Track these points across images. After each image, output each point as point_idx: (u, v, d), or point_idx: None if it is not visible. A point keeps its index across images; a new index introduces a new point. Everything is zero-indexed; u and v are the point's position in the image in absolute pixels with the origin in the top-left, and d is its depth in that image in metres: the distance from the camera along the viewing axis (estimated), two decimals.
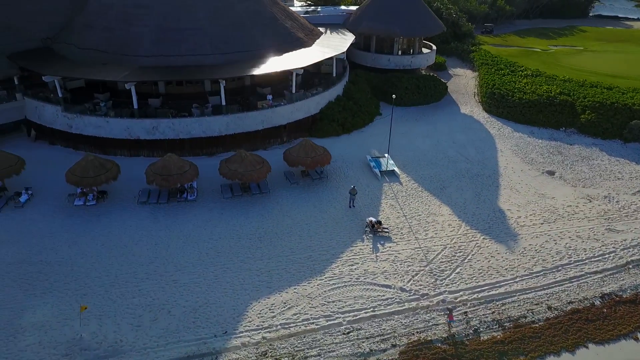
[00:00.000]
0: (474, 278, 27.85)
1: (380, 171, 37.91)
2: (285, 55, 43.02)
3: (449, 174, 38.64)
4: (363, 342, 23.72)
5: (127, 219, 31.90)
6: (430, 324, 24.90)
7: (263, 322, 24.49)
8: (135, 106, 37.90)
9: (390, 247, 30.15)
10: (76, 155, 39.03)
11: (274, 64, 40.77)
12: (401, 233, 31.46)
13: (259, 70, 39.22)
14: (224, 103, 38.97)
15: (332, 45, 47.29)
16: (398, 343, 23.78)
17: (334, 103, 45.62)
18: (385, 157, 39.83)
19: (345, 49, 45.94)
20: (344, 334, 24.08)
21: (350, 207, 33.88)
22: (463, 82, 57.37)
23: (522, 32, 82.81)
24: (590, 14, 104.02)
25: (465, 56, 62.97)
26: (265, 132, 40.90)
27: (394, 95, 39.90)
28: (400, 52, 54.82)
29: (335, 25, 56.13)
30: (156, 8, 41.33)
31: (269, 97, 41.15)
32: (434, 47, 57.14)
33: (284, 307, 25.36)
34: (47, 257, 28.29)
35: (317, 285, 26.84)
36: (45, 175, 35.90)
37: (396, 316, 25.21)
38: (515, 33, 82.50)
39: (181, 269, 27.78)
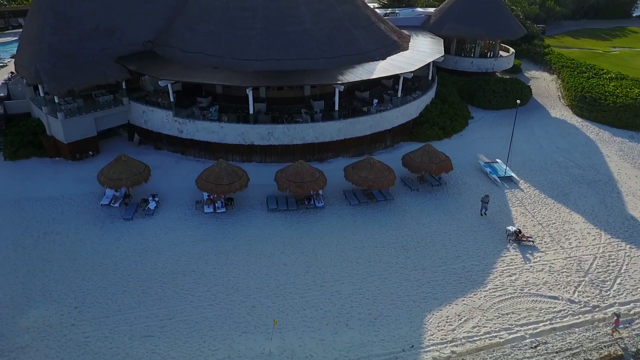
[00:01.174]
0: (639, 289, 27.25)
1: (498, 177, 37.29)
2: (389, 58, 42.39)
3: (565, 180, 38.00)
4: (554, 356, 23.13)
5: (262, 226, 31.33)
6: (615, 337, 24.32)
7: (445, 335, 23.91)
8: (251, 111, 37.30)
9: (539, 256, 29.54)
10: (186, 160, 38.67)
11: (382, 68, 40.13)
12: (544, 242, 30.84)
13: (373, 74, 38.55)
14: (337, 108, 38.34)
15: (426, 48, 46.65)
16: (590, 358, 23.20)
17: (431, 106, 45.04)
18: (497, 162, 39.23)
19: (442, 52, 45.26)
20: (531, 347, 23.50)
21: (481, 214, 33.28)
22: (543, 84, 56.65)
23: (573, 33, 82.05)
24: (633, 15, 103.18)
25: (538, 58, 62.23)
26: (372, 137, 40.31)
27: (518, 101, 39.12)
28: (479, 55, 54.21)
29: (413, 27, 55.47)
30: (261, 11, 40.72)
31: (375, 101, 40.53)
32: (512, 50, 56.45)
33: (460, 320, 24.78)
34: (198, 267, 27.76)
35: (484, 297, 26.25)
36: (161, 180, 35.37)
37: (576, 329, 24.63)
38: (567, 34, 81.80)
39: (339, 279, 27.21)
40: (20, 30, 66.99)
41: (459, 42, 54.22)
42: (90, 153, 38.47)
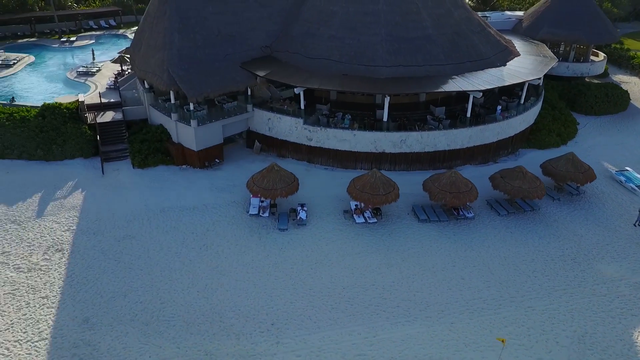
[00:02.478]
0: None
1: (636, 186, 36.52)
2: (509, 64, 41.65)
3: None
4: None
5: (419, 238, 30.62)
6: None
7: None
8: (385, 119, 36.59)
9: None
10: (315, 169, 38.06)
11: (509, 74, 39.34)
12: None
13: (506, 81, 37.74)
14: (469, 115, 37.64)
15: (534, 53, 45.88)
16: None
17: (543, 112, 44.34)
18: (628, 170, 38.51)
19: (555, 58, 44.48)
20: None
21: (635, 225, 32.54)
22: (635, 89, 55.85)
23: (632, 35, 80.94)
24: None
25: (622, 62, 61.41)
26: (497, 144, 39.62)
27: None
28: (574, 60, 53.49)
29: (504, 31, 54.65)
30: (383, 16, 39.98)
31: (499, 108, 39.79)
32: (603, 55, 55.63)
33: None
34: (375, 280, 27.08)
35: None
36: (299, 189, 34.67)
37: None
38: (627, 36, 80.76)
39: (525, 293, 26.49)
40: (96, 32, 66.61)
41: (552, 46, 53.41)
42: (217, 161, 37.84)
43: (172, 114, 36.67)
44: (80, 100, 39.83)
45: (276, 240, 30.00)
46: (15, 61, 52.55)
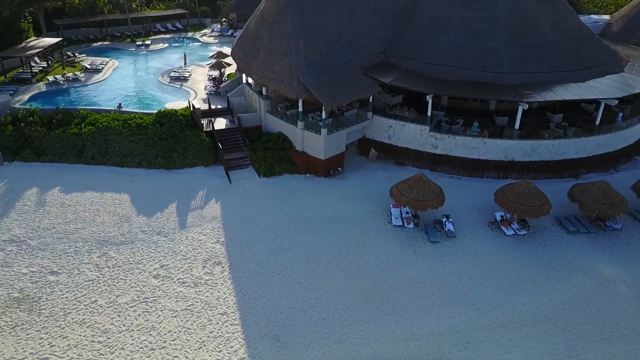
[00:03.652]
0: None
1: None
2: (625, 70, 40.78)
3: None
4: None
5: (577, 250, 29.70)
6: None
7: None
8: (517, 126, 35.75)
9: None
10: (441, 177, 37.13)
11: (634, 80, 38.50)
12: None
13: (635, 88, 36.90)
14: (597, 122, 36.81)
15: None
16: None
17: None
18: None
19: None
20: None
21: None
22: None
23: None
24: None
25: None
26: (620, 151, 38.77)
27: None
28: None
29: None
30: (503, 22, 39.17)
31: (620, 115, 38.89)
32: None
33: None
34: (552, 296, 26.24)
35: None
36: None
37: None
38: None
39: None
40: (165, 35, 66.08)
41: None
42: (340, 169, 37.13)
43: (299, 122, 35.97)
44: (196, 107, 39.12)
45: (432, 253, 29.23)
46: (103, 65, 51.97)
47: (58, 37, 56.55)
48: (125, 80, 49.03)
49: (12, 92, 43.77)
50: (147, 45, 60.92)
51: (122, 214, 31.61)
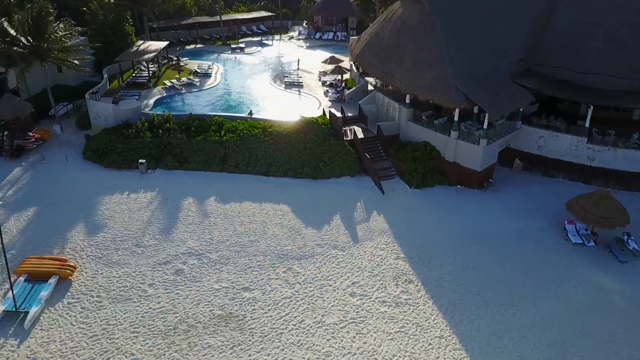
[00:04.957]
0: None
1: None
2: None
3: None
4: None
5: None
6: None
7: None
8: None
9: None
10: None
11: None
12: None
13: None
14: None
15: None
16: None
17: None
18: None
19: None
20: None
21: None
22: None
23: None
24: None
25: None
26: None
27: None
28: None
29: None
30: None
31: None
32: None
33: None
34: None
35: None
36: None
37: None
38: None
39: None
40: (253, 38, 65.38)
41: None
42: (491, 181, 35.94)
43: (452, 132, 34.87)
44: (338, 115, 38.20)
45: (626, 274, 27.90)
46: (211, 70, 51.41)
47: (151, 39, 56.20)
48: (237, 86, 48.33)
49: (137, 97, 43.31)
50: (242, 49, 60.26)
51: (290, 226, 30.79)
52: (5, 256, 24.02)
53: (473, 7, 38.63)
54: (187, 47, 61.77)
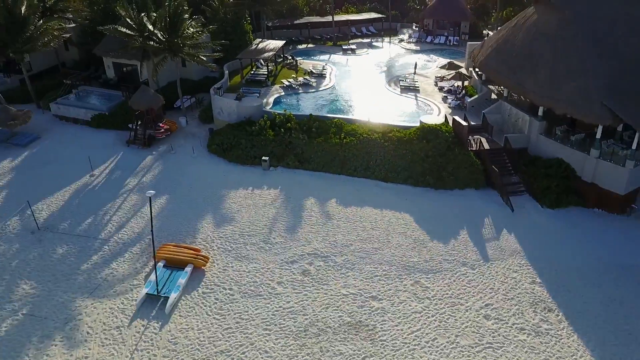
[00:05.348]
0: None
1: None
2: None
3: None
4: None
5: None
6: None
7: None
8: None
9: None
10: None
11: None
12: None
13: None
14: None
15: None
16: None
17: None
18: None
19: None
20: None
21: None
22: None
23: None
24: None
25: None
26: None
27: None
28: None
29: None
30: None
31: None
32: None
33: None
34: None
35: None
36: None
37: None
38: None
39: None
40: (362, 40, 65.01)
41: None
42: (634, 207, 32.81)
43: (593, 150, 32.22)
44: (463, 124, 36.65)
45: None
46: (325, 71, 51.57)
47: (265, 38, 57.37)
48: (351, 88, 47.99)
49: (257, 94, 44.30)
50: (354, 50, 60.04)
51: (415, 237, 29.87)
52: (153, 242, 25.20)
53: (620, 14, 35.41)
54: (299, 46, 62.56)
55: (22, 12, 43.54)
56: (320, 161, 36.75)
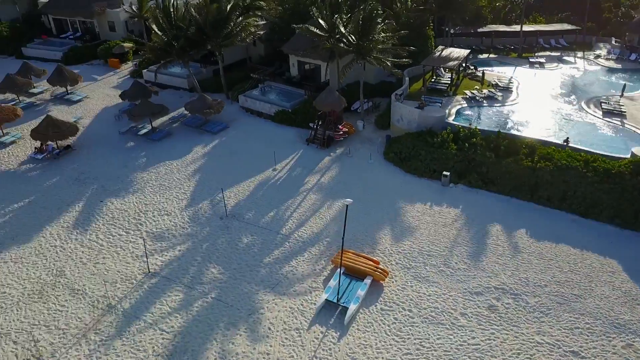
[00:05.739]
0: None
1: None
2: None
3: None
4: None
5: None
6: None
7: None
8: None
9: None
10: None
11: None
12: None
13: None
14: None
15: None
16: None
17: None
18: None
19: None
20: None
21: None
22: None
23: None
24: None
25: None
26: None
27: None
28: None
29: None
30: None
31: None
32: None
33: None
34: None
35: None
36: None
37: None
38: None
39: None
40: (551, 53, 59.20)
41: None
42: None
43: None
44: None
45: None
46: (512, 84, 47.67)
47: (446, 45, 54.86)
48: (541, 105, 43.48)
49: (439, 104, 42.37)
50: (542, 64, 54.78)
51: (626, 290, 25.61)
52: (342, 250, 24.87)
53: None
54: (479, 55, 58.98)
55: (227, 9, 46.99)
56: (508, 184, 33.67)
